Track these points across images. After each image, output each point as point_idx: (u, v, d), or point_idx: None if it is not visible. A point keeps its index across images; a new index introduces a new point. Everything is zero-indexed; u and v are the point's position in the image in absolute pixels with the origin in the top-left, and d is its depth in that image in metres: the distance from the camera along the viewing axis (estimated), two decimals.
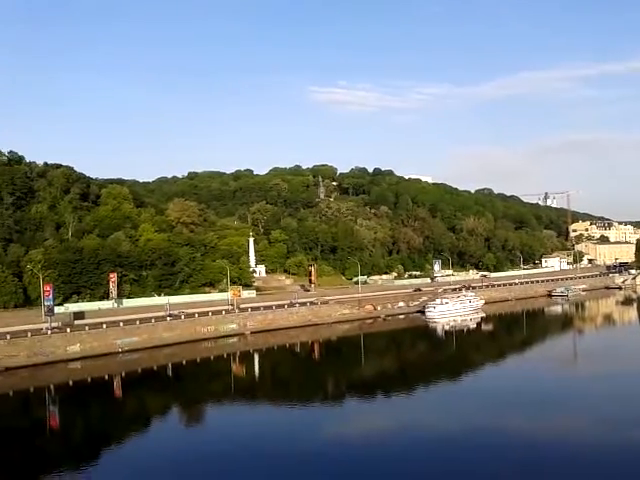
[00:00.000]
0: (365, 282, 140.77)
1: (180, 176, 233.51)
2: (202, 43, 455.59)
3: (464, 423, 45.84)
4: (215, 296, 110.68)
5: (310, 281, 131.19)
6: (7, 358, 68.20)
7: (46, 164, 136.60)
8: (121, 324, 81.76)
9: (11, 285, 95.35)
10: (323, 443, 42.55)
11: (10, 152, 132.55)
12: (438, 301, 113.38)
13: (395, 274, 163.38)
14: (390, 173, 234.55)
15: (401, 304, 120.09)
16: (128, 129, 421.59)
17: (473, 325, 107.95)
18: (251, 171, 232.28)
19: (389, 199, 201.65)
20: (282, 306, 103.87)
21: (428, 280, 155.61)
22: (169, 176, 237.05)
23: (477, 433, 43.43)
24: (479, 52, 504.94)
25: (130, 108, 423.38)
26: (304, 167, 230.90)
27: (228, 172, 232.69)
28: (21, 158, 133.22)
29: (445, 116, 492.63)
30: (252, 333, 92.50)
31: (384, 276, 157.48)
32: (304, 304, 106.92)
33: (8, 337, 70.99)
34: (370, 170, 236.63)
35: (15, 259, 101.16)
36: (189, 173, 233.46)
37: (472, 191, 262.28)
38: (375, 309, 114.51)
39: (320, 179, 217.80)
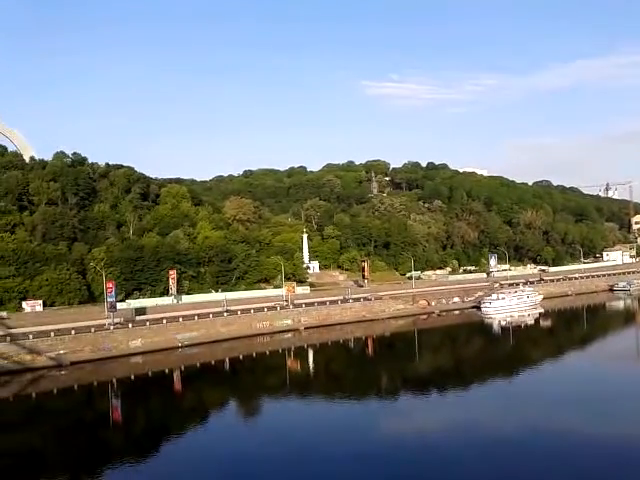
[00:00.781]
0: (419, 277, 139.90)
1: (236, 174, 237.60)
2: (255, 41, 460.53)
3: (522, 424, 44.76)
4: (270, 292, 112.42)
5: (363, 277, 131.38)
6: (72, 353, 71.32)
7: (108, 165, 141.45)
8: (180, 319, 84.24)
9: (75, 282, 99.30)
10: (377, 441, 42.66)
11: (74, 153, 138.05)
12: (494, 296, 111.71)
13: (449, 269, 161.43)
14: (444, 167, 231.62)
15: (456, 299, 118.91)
16: (185, 129, 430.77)
17: (531, 321, 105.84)
18: (304, 168, 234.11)
19: (443, 193, 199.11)
20: (336, 302, 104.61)
21: (484, 275, 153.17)
22: (225, 175, 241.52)
23: (536, 435, 41.79)
24: (533, 41, 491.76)
25: (188, 109, 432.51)
26: (357, 163, 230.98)
27: (282, 169, 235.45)
28: (84, 159, 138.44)
29: (500, 107, 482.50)
30: (306, 329, 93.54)
31: (438, 271, 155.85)
32: (358, 300, 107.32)
33: (73, 332, 74.21)
34: (423, 164, 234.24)
35: (79, 257, 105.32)
36: (244, 171, 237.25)
37: (529, 183, 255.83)
38: (429, 304, 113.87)
39: (373, 174, 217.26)
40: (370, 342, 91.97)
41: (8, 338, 70.55)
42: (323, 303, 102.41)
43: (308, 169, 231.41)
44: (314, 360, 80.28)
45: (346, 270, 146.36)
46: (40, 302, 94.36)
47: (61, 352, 70.73)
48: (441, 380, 65.69)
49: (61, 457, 43.48)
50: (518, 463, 36.16)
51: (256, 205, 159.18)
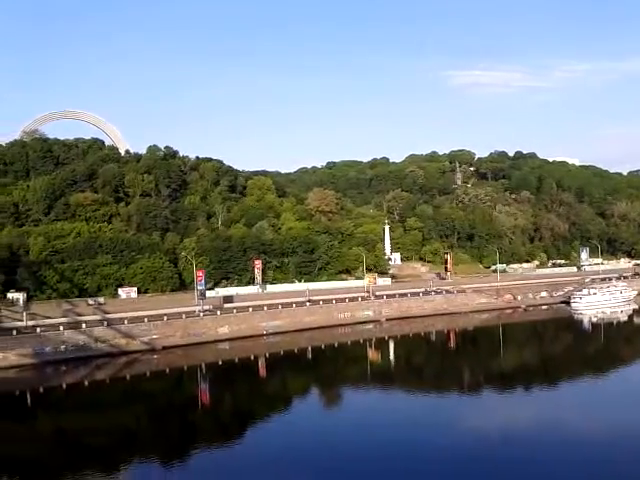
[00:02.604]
0: (504, 271, 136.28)
1: (319, 166, 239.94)
2: (337, 36, 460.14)
3: (613, 427, 42.31)
4: (351, 283, 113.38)
5: (446, 269, 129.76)
6: (164, 338, 75.01)
7: (198, 158, 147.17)
8: (265, 308, 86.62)
9: (168, 271, 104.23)
10: (458, 436, 42.03)
11: (166, 147, 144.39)
12: (585, 291, 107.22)
13: (537, 262, 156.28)
14: (532, 156, 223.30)
15: (544, 294, 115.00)
16: (271, 123, 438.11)
17: (624, 317, 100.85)
18: (387, 159, 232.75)
19: (531, 183, 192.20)
20: (417, 294, 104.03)
21: (574, 269, 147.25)
22: (309, 166, 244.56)
23: (626, 438, 39.62)
24: (626, 24, 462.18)
25: (272, 103, 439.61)
26: (440, 153, 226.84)
27: (365, 161, 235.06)
28: (175, 153, 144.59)
29: (593, 94, 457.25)
30: (387, 320, 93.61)
31: (525, 264, 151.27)
32: (440, 292, 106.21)
33: (165, 318, 78.07)
34: (510, 154, 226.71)
35: (171, 247, 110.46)
36: (327, 163, 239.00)
37: (624, 173, 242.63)
38: (515, 299, 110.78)
39: (457, 165, 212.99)
40: (452, 335, 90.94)
41: (105, 323, 75.24)
42: (404, 295, 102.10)
43: (390, 160, 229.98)
44: (395, 352, 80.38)
45: (428, 262, 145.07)
46: (135, 289, 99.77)
47: (154, 337, 74.49)
48: (527, 377, 63.76)
49: (153, 437, 46.06)
50: (604, 466, 34.72)
51: (338, 197, 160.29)
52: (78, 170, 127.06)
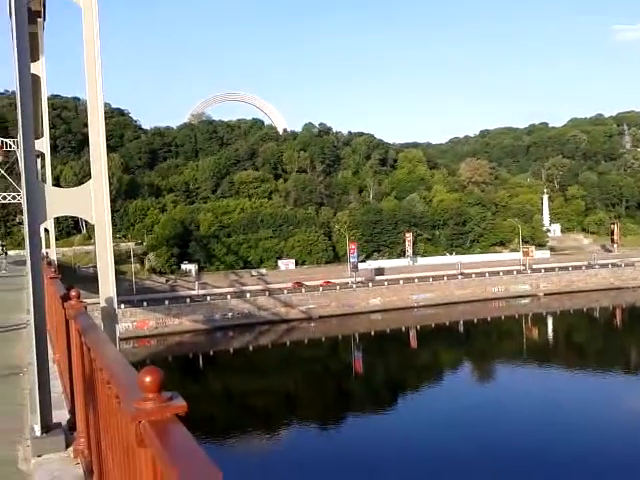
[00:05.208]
0: None
1: (472, 135, 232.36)
2: None
3: None
4: (505, 256, 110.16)
5: (612, 241, 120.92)
6: (320, 308, 79.17)
7: (350, 133, 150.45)
8: (416, 281, 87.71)
9: (322, 243, 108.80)
10: (618, 420, 39.52)
11: (320, 124, 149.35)
12: None
13: None
14: None
15: None
16: (420, 92, 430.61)
17: None
18: (546, 124, 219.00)
19: None
20: (579, 267, 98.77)
21: None
22: (461, 136, 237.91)
23: None
24: None
25: (422, 72, 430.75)
26: (606, 115, 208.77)
27: (521, 127, 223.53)
28: (329, 129, 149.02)
29: None
30: (545, 295, 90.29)
31: None
32: (605, 266, 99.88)
33: (321, 290, 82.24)
34: None
35: (325, 220, 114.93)
36: (481, 131, 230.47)
37: None
38: None
39: (625, 127, 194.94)
40: (619, 312, 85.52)
41: (267, 292, 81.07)
42: (565, 268, 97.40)
43: (550, 125, 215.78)
44: (553, 328, 77.63)
45: (591, 234, 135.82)
46: (292, 261, 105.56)
47: (311, 306, 78.98)
48: None
49: (310, 400, 49.71)
50: None
51: (492, 166, 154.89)
52: (241, 150, 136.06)
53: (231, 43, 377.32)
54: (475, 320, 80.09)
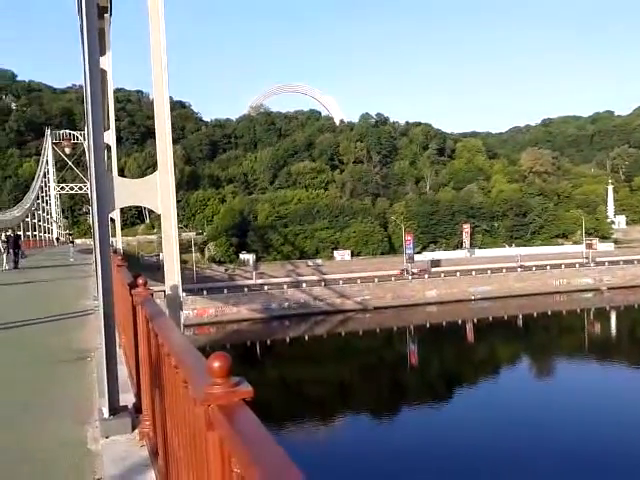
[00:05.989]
0: None
1: (533, 124, 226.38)
2: None
3: None
4: (567, 248, 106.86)
5: None
6: (375, 299, 78.99)
7: (407, 123, 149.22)
8: (473, 273, 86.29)
9: (378, 234, 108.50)
10: None
11: (377, 114, 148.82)
12: None
13: None
14: None
15: None
16: (480, 80, 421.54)
17: None
18: (611, 112, 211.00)
19: None
20: None
21: None
22: (522, 125, 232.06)
23: None
24: None
25: (482, 59, 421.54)
26: None
27: (585, 115, 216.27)
28: (386, 119, 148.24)
29: None
30: (609, 289, 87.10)
31: None
32: None
33: (376, 280, 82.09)
34: None
35: (381, 212, 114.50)
36: (542, 120, 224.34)
37: None
38: None
39: None
40: None
41: (322, 283, 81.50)
42: (630, 262, 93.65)
43: (616, 113, 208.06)
44: (617, 324, 74.85)
45: None
46: (348, 252, 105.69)
47: (366, 297, 78.90)
48: None
49: (364, 390, 49.76)
50: None
51: (555, 156, 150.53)
52: (298, 141, 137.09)
53: (290, 34, 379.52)
54: (535, 314, 78.08)
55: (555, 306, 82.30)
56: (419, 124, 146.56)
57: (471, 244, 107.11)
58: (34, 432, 5.44)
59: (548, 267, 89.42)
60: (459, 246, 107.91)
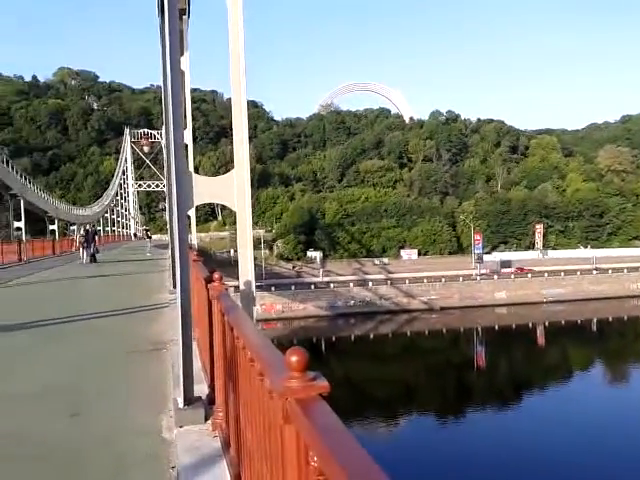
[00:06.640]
0: None
1: (612, 121, 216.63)
2: None
3: None
4: None
5: None
6: (442, 299, 77.91)
7: (479, 120, 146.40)
8: (545, 275, 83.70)
9: (446, 234, 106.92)
10: None
11: (448, 111, 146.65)
12: None
13: None
14: None
15: None
16: (557, 74, 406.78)
17: None
18: None
19: None
20: None
21: None
22: (600, 122, 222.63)
23: None
24: None
25: (555, 55, 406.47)
26: None
27: None
28: (457, 116, 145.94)
29: None
30: None
31: None
32: None
33: (443, 280, 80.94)
34: None
35: (450, 210, 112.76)
36: (622, 117, 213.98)
37: None
38: None
39: None
40: None
41: (389, 282, 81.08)
42: None
43: None
44: None
45: None
46: (415, 251, 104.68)
47: (432, 297, 77.95)
48: None
49: (429, 391, 49.22)
50: None
51: (634, 154, 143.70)
52: (367, 139, 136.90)
53: (361, 33, 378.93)
54: (610, 318, 74.92)
55: (632, 311, 78.60)
56: (491, 121, 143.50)
57: (544, 245, 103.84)
58: (111, 419, 5.61)
59: (625, 270, 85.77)
60: (531, 247, 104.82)
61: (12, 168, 43.80)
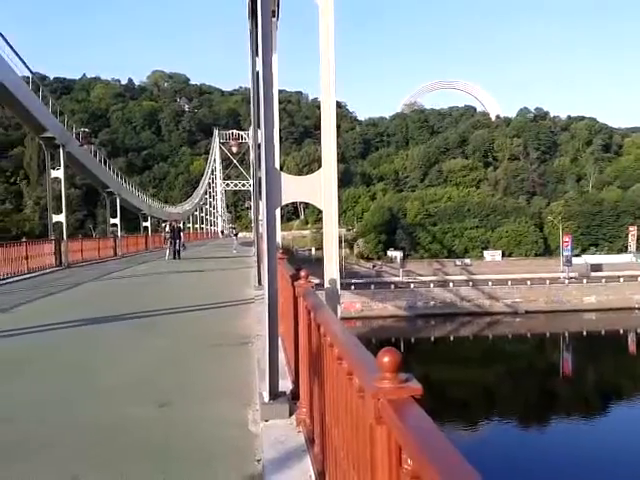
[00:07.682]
0: None
1: None
2: None
3: None
4: None
5: None
6: (527, 302, 75.29)
7: (569, 117, 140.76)
8: (639, 279, 79.26)
9: (532, 235, 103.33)
10: None
11: (536, 109, 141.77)
12: None
13: None
14: None
15: None
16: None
17: None
18: None
19: None
20: None
21: None
22: None
23: None
24: None
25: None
26: None
27: None
28: (546, 114, 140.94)
29: None
30: None
31: None
32: None
33: (528, 283, 78.32)
34: None
35: (537, 211, 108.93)
36: None
37: None
38: None
39: None
40: None
41: (470, 283, 79.30)
42: None
43: None
44: None
45: None
46: (499, 252, 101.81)
47: (516, 300, 75.50)
48: None
49: (511, 397, 47.69)
50: None
51: None
52: (451, 138, 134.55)
53: (443, 30, 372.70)
54: None
55: None
56: (582, 118, 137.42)
57: (637, 248, 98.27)
58: (198, 411, 5.76)
59: None
60: (624, 250, 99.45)
61: (109, 167, 46.17)
